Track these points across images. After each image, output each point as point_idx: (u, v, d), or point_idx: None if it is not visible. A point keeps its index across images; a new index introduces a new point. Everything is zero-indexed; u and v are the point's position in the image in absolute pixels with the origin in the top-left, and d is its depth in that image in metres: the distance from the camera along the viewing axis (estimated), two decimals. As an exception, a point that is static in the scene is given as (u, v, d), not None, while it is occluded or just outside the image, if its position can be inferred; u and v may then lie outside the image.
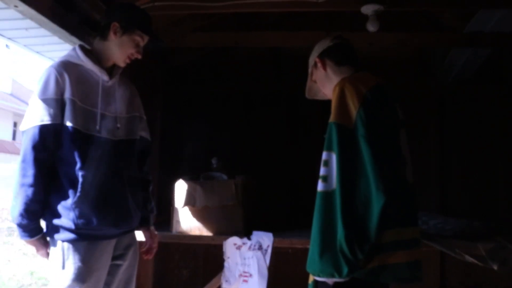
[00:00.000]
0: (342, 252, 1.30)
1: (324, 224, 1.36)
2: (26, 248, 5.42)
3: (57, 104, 1.59)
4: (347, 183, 1.35)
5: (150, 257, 2.01)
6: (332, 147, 1.39)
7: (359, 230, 1.32)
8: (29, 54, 2.65)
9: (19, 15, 1.88)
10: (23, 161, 1.55)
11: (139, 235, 1.95)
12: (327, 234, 1.35)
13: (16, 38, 2.40)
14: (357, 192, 1.34)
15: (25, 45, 2.52)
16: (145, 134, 1.94)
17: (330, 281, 1.36)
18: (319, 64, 1.69)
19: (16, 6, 1.72)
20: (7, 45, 2.57)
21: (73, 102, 1.60)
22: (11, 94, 21.61)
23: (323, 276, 1.36)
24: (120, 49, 1.72)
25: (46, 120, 1.57)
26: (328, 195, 1.37)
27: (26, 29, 2.22)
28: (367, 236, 1.31)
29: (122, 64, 1.77)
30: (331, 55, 1.67)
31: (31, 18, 1.87)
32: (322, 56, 1.68)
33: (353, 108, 1.40)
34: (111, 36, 1.71)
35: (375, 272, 1.35)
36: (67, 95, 1.60)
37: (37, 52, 2.64)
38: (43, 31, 2.12)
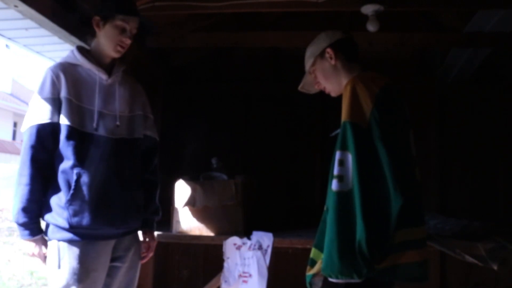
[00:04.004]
0: (361, 253, 1.28)
1: (342, 225, 1.33)
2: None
3: (53, 103, 1.60)
4: (366, 184, 1.32)
5: (143, 261, 1.95)
6: (347, 146, 1.36)
7: (378, 230, 1.30)
8: (29, 54, 2.65)
9: (19, 15, 1.88)
10: (21, 160, 1.57)
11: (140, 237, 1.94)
12: (345, 235, 1.32)
13: (16, 38, 2.40)
14: (375, 193, 1.33)
15: (25, 45, 2.52)
16: (150, 133, 1.92)
17: (342, 281, 1.33)
18: (328, 55, 1.58)
19: (16, 6, 1.72)
20: (7, 45, 2.57)
21: (69, 101, 1.61)
22: (11, 94, 21.59)
23: (342, 278, 1.32)
24: (106, 39, 1.69)
25: (43, 119, 1.58)
26: (344, 195, 1.34)
27: (26, 29, 2.21)
28: (385, 237, 1.30)
29: (114, 54, 1.72)
30: (343, 49, 1.59)
31: (31, 18, 1.87)
32: (334, 46, 1.58)
33: (367, 108, 1.37)
34: (97, 30, 1.70)
35: (388, 271, 1.33)
36: (63, 94, 1.61)
37: (37, 52, 2.64)
38: (43, 31, 2.12)
